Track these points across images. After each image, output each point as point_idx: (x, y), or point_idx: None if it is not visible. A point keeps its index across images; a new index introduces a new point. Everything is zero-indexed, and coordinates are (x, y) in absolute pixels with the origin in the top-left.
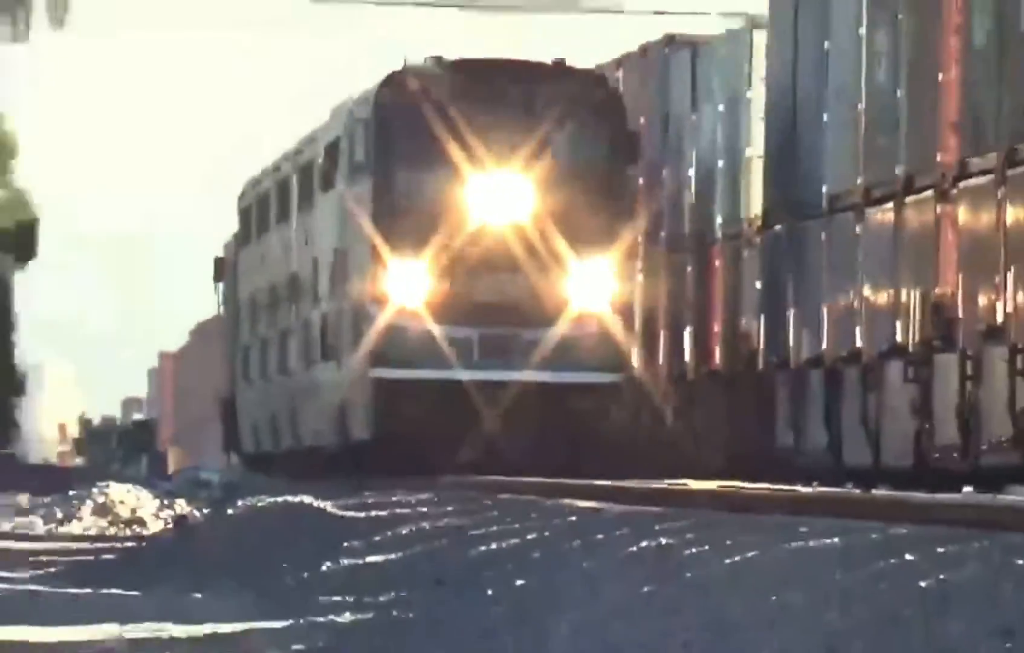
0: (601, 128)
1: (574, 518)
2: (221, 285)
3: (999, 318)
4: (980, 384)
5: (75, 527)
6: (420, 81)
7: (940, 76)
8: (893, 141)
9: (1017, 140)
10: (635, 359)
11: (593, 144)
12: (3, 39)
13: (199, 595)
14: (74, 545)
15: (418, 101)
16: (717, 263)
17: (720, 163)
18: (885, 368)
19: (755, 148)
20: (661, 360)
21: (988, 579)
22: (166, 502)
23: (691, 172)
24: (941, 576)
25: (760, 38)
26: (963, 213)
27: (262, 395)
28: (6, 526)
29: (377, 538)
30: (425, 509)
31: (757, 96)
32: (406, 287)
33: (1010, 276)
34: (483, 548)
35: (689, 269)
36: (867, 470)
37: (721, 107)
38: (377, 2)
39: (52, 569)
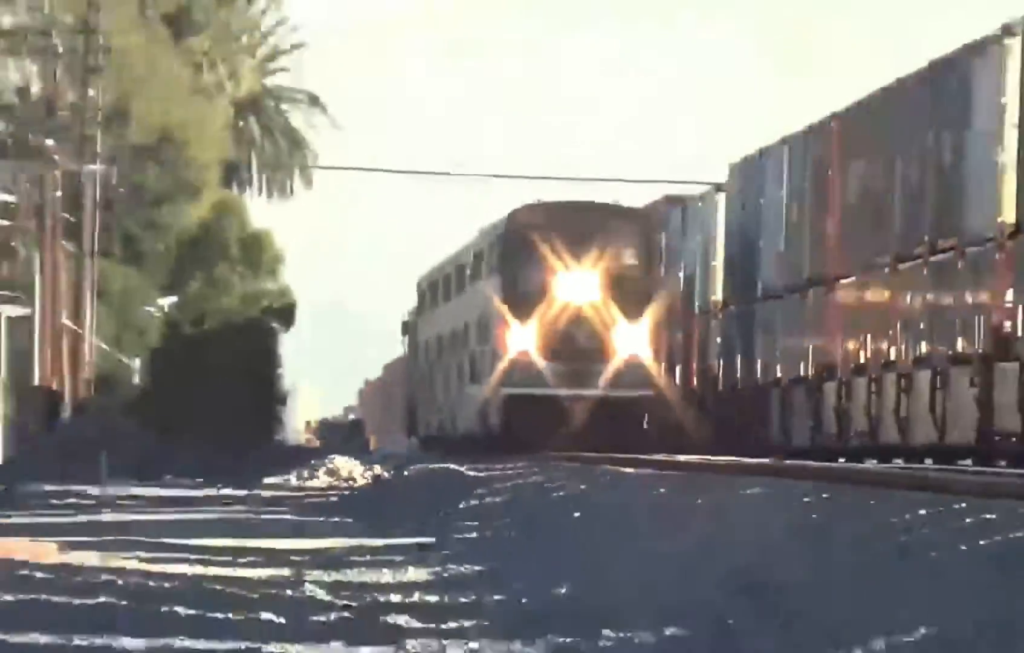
0: (640, 243)
1: (609, 478)
2: (405, 338)
3: (862, 359)
4: (850, 398)
5: (315, 483)
6: (530, 214)
7: (828, 220)
8: (801, 257)
9: (872, 258)
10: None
11: (636, 253)
12: (277, 197)
13: (386, 521)
14: (314, 493)
15: (528, 227)
16: (696, 329)
17: (698, 270)
18: (794, 390)
19: (719, 261)
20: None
21: (850, 514)
22: (368, 467)
23: (681, 275)
24: (825, 495)
25: (721, 197)
26: (842, 298)
27: (432, 403)
28: (276, 481)
29: (496, 487)
30: (520, 471)
31: (719, 232)
32: (521, 340)
33: (869, 335)
34: (555, 495)
35: (679, 332)
36: (782, 447)
37: (699, 237)
38: (495, 176)
39: (301, 507)
